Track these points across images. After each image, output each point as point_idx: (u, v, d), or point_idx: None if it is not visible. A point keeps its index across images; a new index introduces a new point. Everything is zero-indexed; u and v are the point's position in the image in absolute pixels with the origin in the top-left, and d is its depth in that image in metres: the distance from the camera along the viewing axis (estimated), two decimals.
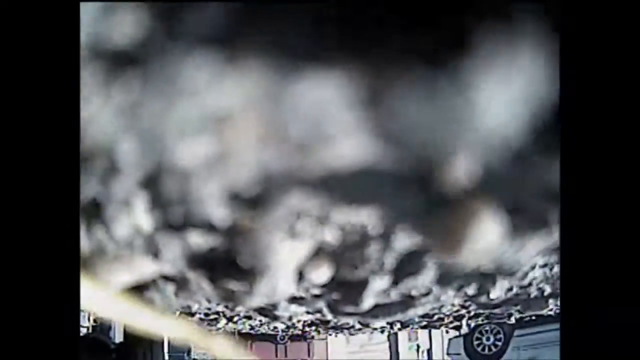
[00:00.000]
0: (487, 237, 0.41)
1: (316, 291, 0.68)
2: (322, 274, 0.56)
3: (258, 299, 0.59)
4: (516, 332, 4.99)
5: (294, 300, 0.74)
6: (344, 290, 0.65)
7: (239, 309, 1.06)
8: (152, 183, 0.40)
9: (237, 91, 0.31)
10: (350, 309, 0.71)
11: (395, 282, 0.62)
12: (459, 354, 5.47)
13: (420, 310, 0.85)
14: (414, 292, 0.75)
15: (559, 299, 0.82)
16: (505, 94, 0.31)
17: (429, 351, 8.72)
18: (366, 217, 0.43)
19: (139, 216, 0.46)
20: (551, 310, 1.55)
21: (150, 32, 0.30)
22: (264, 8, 0.29)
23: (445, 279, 0.69)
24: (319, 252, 0.52)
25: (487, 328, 5.11)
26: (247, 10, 0.29)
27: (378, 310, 0.79)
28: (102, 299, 0.58)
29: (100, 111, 0.33)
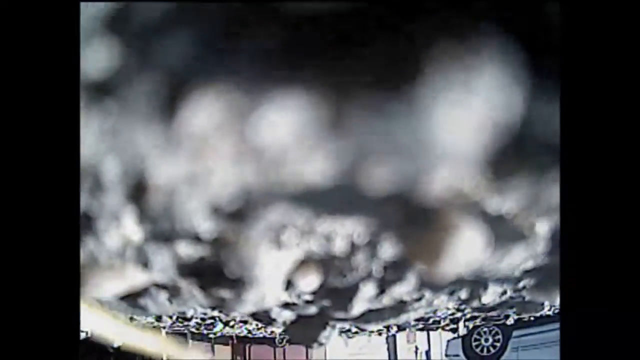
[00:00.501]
0: (467, 248, 0.41)
1: (307, 297, 0.69)
2: (310, 282, 0.56)
3: (248, 307, 0.59)
4: (515, 333, 4.97)
5: (286, 306, 0.75)
6: (334, 297, 0.66)
7: (234, 314, 1.06)
8: (138, 198, 0.41)
9: (210, 112, 0.32)
10: (340, 314, 0.72)
11: (382, 289, 0.63)
12: (457, 356, 5.45)
13: (413, 315, 0.85)
14: (405, 298, 0.76)
15: (554, 300, 0.82)
16: (464, 112, 0.32)
17: (427, 353, 8.70)
18: (350, 227, 0.44)
19: (128, 228, 0.46)
20: (549, 310, 1.55)
21: (123, 60, 0.31)
22: (232, 34, 0.30)
23: (435, 284, 0.70)
24: (306, 261, 0.53)
25: (485, 329, 5.10)
26: (216, 36, 0.30)
27: (370, 315, 0.80)
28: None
29: (83, 134, 0.34)
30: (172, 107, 0.32)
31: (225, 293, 0.57)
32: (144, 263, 0.54)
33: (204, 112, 0.32)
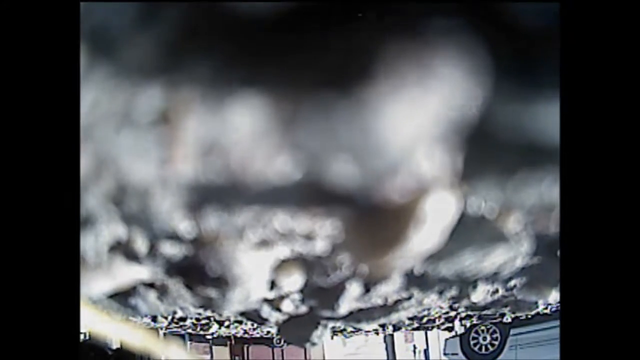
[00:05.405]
0: (418, 248, 0.42)
1: (295, 297, 0.69)
2: (293, 281, 0.57)
3: (234, 306, 0.60)
4: (512, 331, 4.97)
5: (275, 305, 0.75)
6: (320, 296, 0.66)
7: (226, 313, 1.06)
8: (116, 198, 0.41)
9: (177, 117, 0.32)
10: (328, 313, 0.72)
11: (368, 289, 0.63)
12: (456, 354, 5.45)
13: (404, 314, 0.85)
14: (394, 297, 0.76)
15: (547, 299, 0.82)
16: (418, 112, 0.32)
17: (426, 352, 8.70)
18: (329, 226, 0.44)
19: (112, 228, 0.47)
20: (546, 309, 1.55)
21: (92, 62, 0.31)
22: (192, 37, 0.31)
23: (423, 284, 0.70)
24: (288, 261, 0.53)
25: (482, 327, 5.10)
26: (181, 43, 0.31)
27: (360, 314, 0.80)
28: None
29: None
30: (141, 109, 0.33)
31: (211, 292, 0.58)
32: (131, 262, 0.54)
33: (167, 113, 0.32)
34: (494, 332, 5.13)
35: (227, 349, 7.29)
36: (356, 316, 0.78)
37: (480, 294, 0.83)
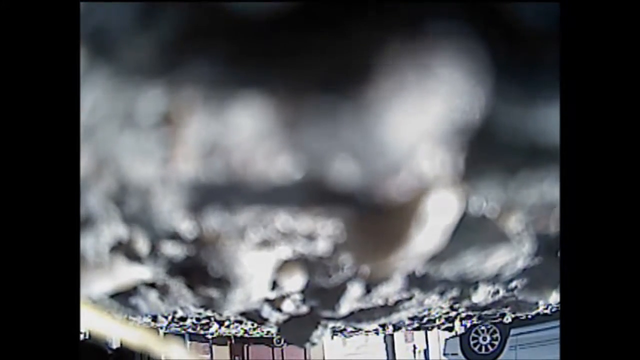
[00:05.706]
0: (418, 250, 0.42)
1: (296, 297, 0.69)
2: (295, 281, 0.57)
3: (236, 306, 0.60)
4: (512, 332, 4.97)
5: (276, 305, 0.75)
6: (321, 296, 0.66)
7: (226, 313, 1.06)
8: (117, 198, 0.41)
9: (179, 117, 0.32)
10: (329, 314, 0.72)
11: (369, 289, 0.63)
12: (455, 354, 5.45)
13: (404, 314, 0.85)
14: (395, 297, 0.76)
15: (547, 299, 0.82)
16: (419, 112, 0.32)
17: (426, 352, 8.70)
18: (331, 226, 0.44)
19: (113, 227, 0.47)
20: (546, 309, 1.55)
21: (93, 63, 0.31)
22: (192, 38, 0.31)
23: (424, 284, 0.70)
24: (290, 261, 0.53)
25: (482, 328, 5.10)
26: (182, 42, 0.31)
27: (361, 314, 0.80)
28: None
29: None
30: (142, 110, 0.33)
31: (212, 292, 0.58)
32: (132, 261, 0.54)
33: (169, 114, 0.33)
34: (494, 332, 5.12)
35: (227, 349, 7.29)
36: (357, 316, 0.78)
37: (481, 295, 0.83)
